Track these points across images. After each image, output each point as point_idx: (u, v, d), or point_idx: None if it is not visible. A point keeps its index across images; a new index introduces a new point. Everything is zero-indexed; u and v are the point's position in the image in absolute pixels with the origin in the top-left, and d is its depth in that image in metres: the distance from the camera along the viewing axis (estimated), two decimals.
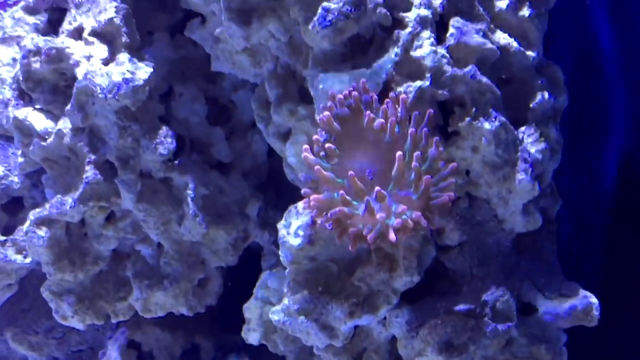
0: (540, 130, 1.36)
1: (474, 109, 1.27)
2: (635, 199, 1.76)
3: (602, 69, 1.74)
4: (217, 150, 1.64)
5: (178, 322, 1.81)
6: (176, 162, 1.56)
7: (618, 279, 1.75)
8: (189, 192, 1.55)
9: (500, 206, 1.34)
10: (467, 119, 1.27)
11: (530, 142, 1.35)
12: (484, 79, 1.27)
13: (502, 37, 1.33)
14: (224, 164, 1.66)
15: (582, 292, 1.40)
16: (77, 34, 1.54)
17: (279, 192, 1.72)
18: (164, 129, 1.51)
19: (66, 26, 1.56)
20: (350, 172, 1.18)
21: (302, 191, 1.23)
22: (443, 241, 1.36)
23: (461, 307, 1.34)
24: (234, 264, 1.74)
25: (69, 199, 1.51)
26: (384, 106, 1.21)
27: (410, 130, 1.19)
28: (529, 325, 1.39)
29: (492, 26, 1.33)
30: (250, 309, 1.56)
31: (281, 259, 1.35)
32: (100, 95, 1.45)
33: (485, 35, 1.30)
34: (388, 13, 1.26)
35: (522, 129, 1.35)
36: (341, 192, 1.18)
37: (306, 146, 1.24)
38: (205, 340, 1.85)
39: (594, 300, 1.39)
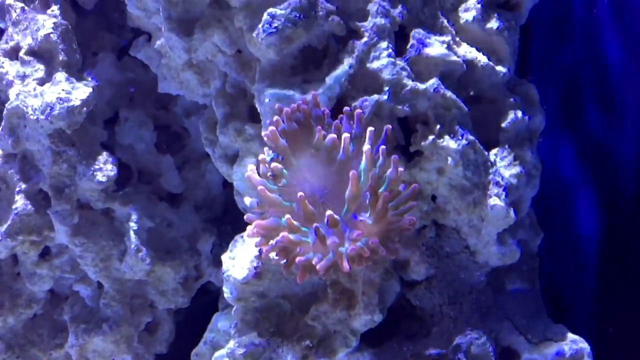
0: (514, 152, 1.24)
1: (438, 126, 1.15)
2: (625, 235, 1.64)
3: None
4: (166, 180, 1.52)
5: None
6: (120, 192, 1.43)
7: (611, 321, 1.60)
8: (132, 224, 1.41)
9: (471, 236, 1.21)
10: (431, 137, 1.15)
11: (504, 165, 1.22)
12: (449, 93, 1.16)
13: (468, 51, 1.22)
14: (174, 195, 1.53)
15: (571, 336, 1.28)
16: (13, 53, 1.43)
17: (237, 226, 1.58)
18: (104, 155, 1.39)
19: (2, 45, 1.45)
20: (300, 194, 1.05)
21: (246, 216, 1.09)
22: (408, 275, 1.22)
23: (431, 351, 1.21)
24: (186, 306, 1.58)
25: None
26: (337, 121, 1.09)
27: (366, 147, 1.06)
28: None
29: (457, 39, 1.23)
30: (199, 356, 1.40)
31: (225, 296, 1.20)
32: (32, 117, 1.32)
33: (449, 48, 1.20)
34: (342, 22, 1.15)
35: (495, 150, 1.23)
36: (287, 216, 1.04)
37: (252, 166, 1.11)
38: None
39: (584, 345, 1.27)
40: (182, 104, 1.54)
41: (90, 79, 1.41)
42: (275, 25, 1.11)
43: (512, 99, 1.26)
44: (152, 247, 1.44)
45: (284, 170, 1.08)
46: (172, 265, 1.46)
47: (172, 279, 1.48)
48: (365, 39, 1.15)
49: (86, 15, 1.48)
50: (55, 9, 1.40)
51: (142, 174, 1.50)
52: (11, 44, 1.43)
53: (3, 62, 1.41)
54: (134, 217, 1.42)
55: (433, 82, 1.15)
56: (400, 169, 1.09)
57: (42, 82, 1.37)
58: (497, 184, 1.19)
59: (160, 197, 1.51)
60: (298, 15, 1.11)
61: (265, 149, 1.11)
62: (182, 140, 1.58)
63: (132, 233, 1.41)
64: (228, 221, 1.58)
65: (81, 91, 1.35)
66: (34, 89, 1.35)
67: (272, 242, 1.05)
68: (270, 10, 1.12)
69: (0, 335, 1.48)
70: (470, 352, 1.21)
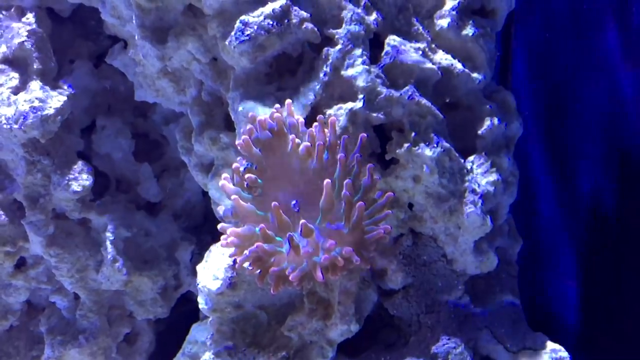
0: (491, 159, 1.24)
1: (413, 134, 1.14)
2: (608, 239, 1.63)
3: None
4: (144, 189, 1.49)
5: None
6: (97, 202, 1.41)
7: (592, 331, 1.59)
8: (109, 234, 1.39)
9: (448, 244, 1.20)
10: (406, 144, 1.14)
11: (481, 172, 1.22)
12: (424, 101, 1.15)
13: (444, 58, 1.21)
14: (153, 203, 1.51)
15: (551, 345, 1.27)
16: None
17: (217, 235, 1.56)
18: (79, 164, 1.37)
19: None
20: (274, 203, 1.03)
21: (219, 226, 1.08)
22: (385, 284, 1.21)
23: None
24: (166, 316, 1.56)
25: None
26: (311, 130, 1.08)
27: (340, 155, 1.05)
28: None
29: (432, 46, 1.22)
30: None
31: (200, 307, 1.18)
32: (5, 126, 1.30)
33: (425, 55, 1.19)
34: (316, 29, 1.14)
35: (471, 158, 1.22)
36: (261, 226, 1.03)
37: (226, 175, 1.09)
38: None
39: (564, 354, 1.25)
40: (161, 112, 1.52)
41: (66, 87, 1.39)
42: (248, 33, 1.10)
43: (488, 106, 1.25)
44: (129, 257, 1.42)
45: (259, 180, 1.07)
46: (150, 275, 1.44)
47: (150, 289, 1.46)
48: (339, 47, 1.14)
49: (63, 22, 1.46)
50: (30, 16, 1.39)
51: (119, 183, 1.48)
52: None
53: None
54: (110, 226, 1.40)
55: (407, 89, 1.15)
56: (376, 177, 1.08)
57: (16, 90, 1.35)
58: (473, 191, 1.18)
59: (138, 206, 1.49)
60: (271, 23, 1.10)
61: (239, 158, 1.10)
62: (161, 149, 1.56)
63: (108, 243, 1.39)
64: (208, 230, 1.56)
65: (55, 100, 1.33)
66: (8, 98, 1.33)
67: (246, 252, 1.03)
68: (243, 17, 1.11)
69: None
70: None
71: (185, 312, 1.62)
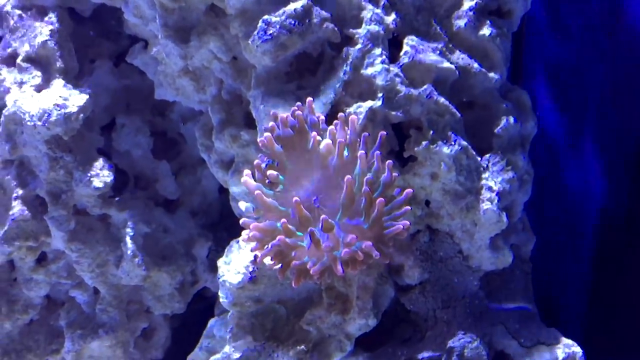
0: (507, 158, 1.26)
1: (431, 132, 1.16)
2: (617, 240, 1.65)
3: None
4: (162, 186, 1.52)
5: None
6: (116, 198, 1.44)
7: (601, 325, 1.61)
8: (128, 230, 1.42)
9: (464, 240, 1.22)
10: (424, 142, 1.16)
11: (496, 170, 1.24)
12: (442, 99, 1.17)
13: (461, 57, 1.24)
14: (170, 200, 1.54)
15: (564, 340, 1.28)
16: (11, 59, 1.43)
17: (232, 232, 1.59)
18: (100, 161, 1.39)
19: None
20: (295, 199, 1.06)
21: (241, 221, 1.10)
22: (402, 280, 1.22)
23: (424, 354, 1.21)
24: (182, 312, 1.58)
25: None
26: (332, 127, 1.10)
27: (360, 152, 1.07)
28: None
29: (450, 46, 1.24)
30: None
31: (221, 301, 1.21)
32: (29, 123, 1.33)
33: (442, 55, 1.21)
34: (336, 28, 1.16)
35: (487, 156, 1.24)
36: (283, 220, 1.05)
37: (247, 171, 1.11)
38: None
39: (577, 349, 1.27)
40: (178, 111, 1.55)
41: (87, 86, 1.42)
42: (271, 32, 1.12)
43: (504, 105, 1.27)
44: (148, 253, 1.44)
45: (280, 177, 1.09)
46: (168, 271, 1.47)
47: (168, 285, 1.49)
48: (359, 46, 1.16)
49: (83, 22, 1.49)
50: (52, 16, 1.41)
51: (138, 180, 1.51)
52: (8, 50, 1.43)
53: (0, 69, 1.42)
54: (130, 222, 1.42)
55: (426, 88, 1.17)
56: (395, 173, 1.10)
57: (39, 88, 1.38)
58: (489, 189, 1.20)
59: (156, 203, 1.51)
60: (293, 22, 1.13)
61: (260, 155, 1.12)
62: (178, 147, 1.59)
63: (128, 239, 1.42)
64: (224, 227, 1.59)
65: (78, 98, 1.36)
66: (31, 96, 1.36)
67: (267, 246, 1.06)
68: (266, 17, 1.13)
69: None
70: (464, 356, 1.21)
71: (199, 309, 1.64)
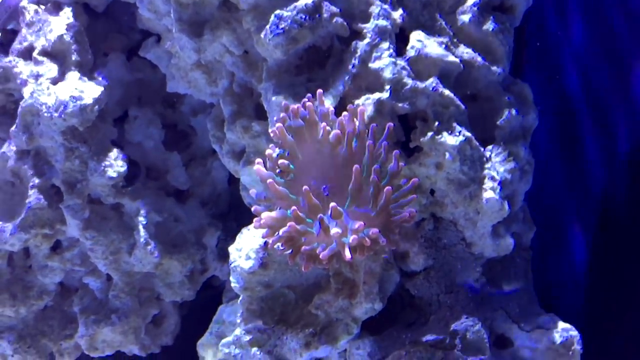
0: (509, 149, 1.30)
1: (436, 123, 1.20)
2: (619, 224, 1.68)
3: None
4: (173, 177, 1.56)
5: None
6: (130, 188, 1.48)
7: (600, 310, 1.65)
8: (141, 218, 1.46)
9: (468, 228, 1.26)
10: (430, 133, 1.20)
11: (499, 161, 1.28)
12: (447, 92, 1.21)
13: (465, 51, 1.28)
14: (181, 191, 1.58)
15: (562, 325, 1.32)
16: (27, 53, 1.48)
17: (241, 222, 1.63)
18: (114, 152, 1.43)
19: (16, 46, 1.49)
20: (305, 187, 1.10)
21: (253, 209, 1.14)
22: (407, 266, 1.27)
23: (428, 337, 1.25)
24: (192, 299, 1.63)
25: (9, 226, 1.42)
26: (341, 118, 1.14)
27: (368, 142, 1.12)
28: (505, 359, 1.28)
29: (455, 40, 1.28)
30: (204, 346, 1.44)
31: (232, 285, 1.25)
32: (46, 115, 1.37)
33: (448, 49, 1.25)
34: (345, 23, 1.21)
35: (490, 147, 1.28)
36: (293, 208, 1.09)
37: (259, 159, 1.16)
38: None
39: (574, 333, 1.30)
40: (189, 103, 1.59)
41: (101, 79, 1.46)
42: (282, 26, 1.17)
43: (506, 98, 1.32)
44: (160, 241, 1.48)
45: (291, 166, 1.13)
46: (179, 259, 1.51)
47: (179, 272, 1.53)
48: (367, 40, 1.20)
49: (97, 17, 1.53)
50: (67, 11, 1.45)
51: (150, 171, 1.55)
52: (25, 44, 1.47)
53: (17, 62, 1.46)
54: (142, 211, 1.46)
55: (432, 81, 1.21)
56: (401, 163, 1.14)
57: (55, 81, 1.42)
58: (492, 178, 1.24)
59: (167, 193, 1.55)
60: (304, 16, 1.17)
61: (271, 145, 1.17)
62: (189, 138, 1.63)
63: (141, 227, 1.46)
64: (233, 217, 1.63)
65: (93, 90, 1.40)
66: (48, 88, 1.40)
67: (279, 232, 1.10)
68: (277, 12, 1.17)
69: (12, 325, 1.52)
70: (466, 338, 1.25)
71: (207, 296, 1.69)
